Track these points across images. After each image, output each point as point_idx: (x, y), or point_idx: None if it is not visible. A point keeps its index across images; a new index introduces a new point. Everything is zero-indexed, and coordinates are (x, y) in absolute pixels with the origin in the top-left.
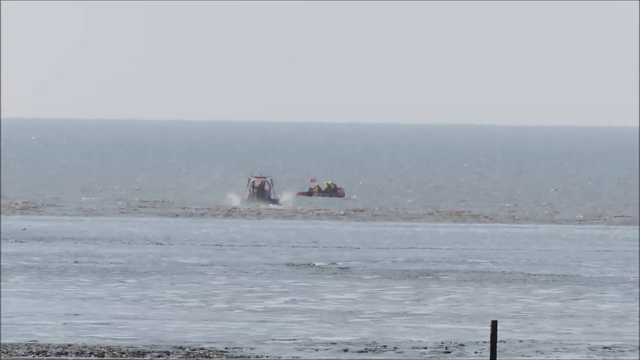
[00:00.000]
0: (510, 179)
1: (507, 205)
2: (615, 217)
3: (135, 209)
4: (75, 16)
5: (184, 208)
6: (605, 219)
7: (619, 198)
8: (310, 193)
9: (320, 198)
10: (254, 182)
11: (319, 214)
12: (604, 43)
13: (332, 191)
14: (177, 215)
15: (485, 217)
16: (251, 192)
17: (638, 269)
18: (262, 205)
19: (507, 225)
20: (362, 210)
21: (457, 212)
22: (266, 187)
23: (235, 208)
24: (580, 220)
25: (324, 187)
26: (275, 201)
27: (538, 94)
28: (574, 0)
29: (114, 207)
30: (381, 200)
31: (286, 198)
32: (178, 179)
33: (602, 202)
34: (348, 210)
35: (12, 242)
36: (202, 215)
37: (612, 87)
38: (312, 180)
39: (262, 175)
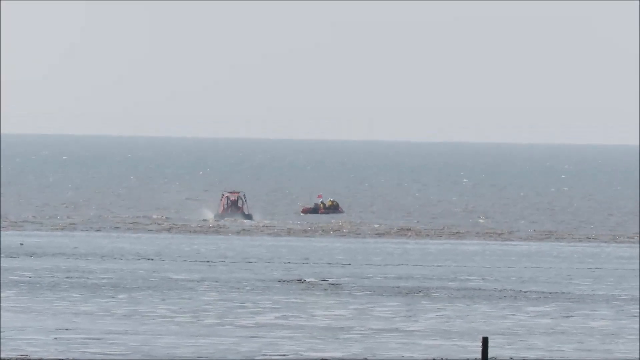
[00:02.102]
0: (499, 196)
1: (498, 222)
2: (607, 234)
3: (110, 226)
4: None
5: (160, 224)
6: (596, 237)
7: (612, 216)
8: (316, 209)
9: (324, 215)
10: (227, 197)
11: (290, 230)
12: (604, 50)
13: (335, 208)
14: (158, 231)
15: (475, 233)
16: (225, 207)
17: (629, 286)
18: (238, 220)
19: (498, 242)
20: (339, 226)
21: (449, 230)
22: (239, 202)
23: (207, 221)
24: (572, 238)
25: (327, 203)
26: (248, 216)
27: (535, 111)
28: (569, 1)
29: (84, 224)
30: (370, 218)
31: (259, 213)
32: (154, 194)
33: (594, 220)
34: (318, 226)
35: (3, 257)
36: (180, 230)
37: (611, 105)
38: (318, 196)
39: (236, 191)
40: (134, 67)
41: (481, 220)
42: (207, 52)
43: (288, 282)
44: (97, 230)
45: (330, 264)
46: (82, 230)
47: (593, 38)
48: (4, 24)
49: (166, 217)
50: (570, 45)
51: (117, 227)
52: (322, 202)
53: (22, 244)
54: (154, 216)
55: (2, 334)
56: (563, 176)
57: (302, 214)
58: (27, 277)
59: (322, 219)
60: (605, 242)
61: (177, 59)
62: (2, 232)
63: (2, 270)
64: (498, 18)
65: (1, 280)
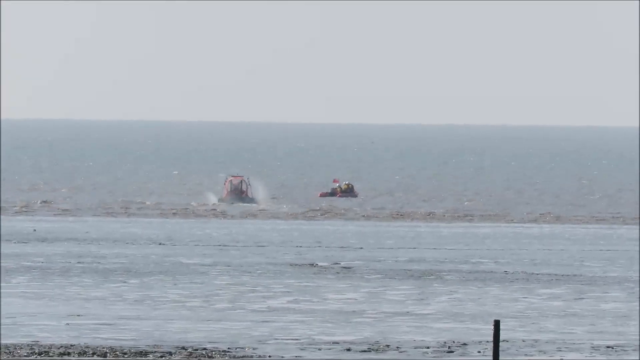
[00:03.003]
0: (508, 179)
1: (509, 204)
2: (618, 217)
3: (115, 211)
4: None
5: (165, 209)
6: (606, 219)
7: (622, 198)
8: (333, 193)
9: (340, 198)
10: (231, 181)
11: (299, 215)
12: (603, 42)
13: (350, 191)
14: (167, 216)
15: (489, 216)
16: (228, 191)
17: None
18: (240, 204)
19: (509, 225)
20: (342, 209)
21: (458, 214)
22: (243, 186)
23: (212, 205)
24: (583, 220)
25: (343, 187)
26: (252, 200)
27: (538, 92)
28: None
29: (91, 209)
30: (384, 202)
31: (262, 197)
32: (160, 179)
33: (603, 202)
34: (318, 210)
35: (15, 242)
36: (189, 215)
37: (611, 86)
38: (334, 181)
39: (239, 175)
40: (134, 67)
41: (467, 203)
42: (205, 52)
43: (300, 265)
44: (107, 214)
45: (342, 247)
46: (78, 215)
47: (593, 38)
48: (4, 24)
49: (157, 202)
50: (570, 45)
51: (124, 212)
52: (339, 186)
53: (35, 230)
54: (147, 202)
55: (14, 319)
56: (558, 159)
57: (320, 198)
58: (39, 262)
59: (328, 202)
60: (616, 224)
61: (178, 59)
62: (12, 218)
63: (14, 256)
64: (498, 18)
65: (12, 267)
